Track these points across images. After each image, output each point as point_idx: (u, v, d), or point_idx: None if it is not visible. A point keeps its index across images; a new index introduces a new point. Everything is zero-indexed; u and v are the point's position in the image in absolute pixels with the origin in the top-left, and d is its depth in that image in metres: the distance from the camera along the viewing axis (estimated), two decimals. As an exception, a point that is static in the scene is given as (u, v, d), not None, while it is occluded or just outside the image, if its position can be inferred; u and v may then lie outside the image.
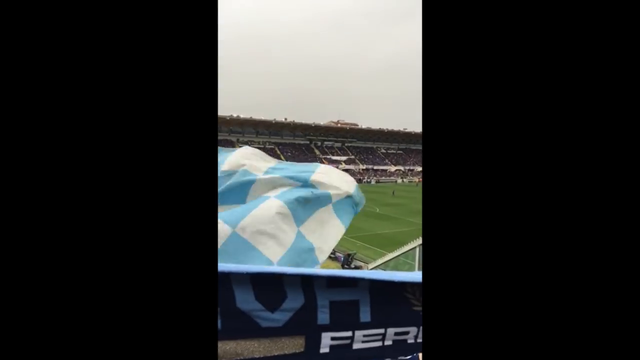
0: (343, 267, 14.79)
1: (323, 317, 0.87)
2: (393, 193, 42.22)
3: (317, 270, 0.84)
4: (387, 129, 70.57)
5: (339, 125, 70.44)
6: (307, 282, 0.84)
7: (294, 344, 0.87)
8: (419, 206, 33.44)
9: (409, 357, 0.98)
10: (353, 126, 70.64)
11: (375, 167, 65.22)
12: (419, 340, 0.94)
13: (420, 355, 0.99)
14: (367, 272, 0.88)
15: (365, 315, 0.90)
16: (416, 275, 0.89)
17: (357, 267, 14.01)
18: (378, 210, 31.99)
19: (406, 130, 73.84)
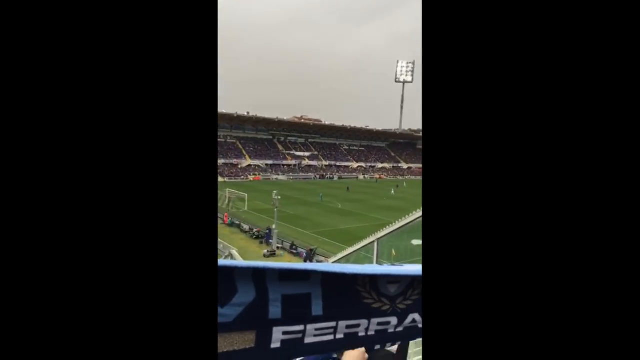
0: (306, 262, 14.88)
1: (275, 311, 0.85)
2: (348, 189, 43.07)
3: (269, 264, 0.82)
4: (350, 126, 71.69)
5: (302, 120, 70.33)
6: (259, 276, 0.82)
7: (244, 340, 0.85)
8: (379, 202, 34.64)
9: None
10: (317, 122, 70.88)
11: (338, 164, 66.06)
12: (370, 333, 0.96)
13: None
14: (319, 265, 0.88)
15: (317, 309, 0.89)
16: (367, 268, 0.95)
17: (319, 262, 14.18)
18: (340, 206, 32.53)
19: (368, 128, 75.49)
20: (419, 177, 65.01)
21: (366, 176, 62.90)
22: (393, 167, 71.33)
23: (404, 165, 72.57)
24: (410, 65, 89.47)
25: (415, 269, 0.97)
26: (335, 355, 1.07)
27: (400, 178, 63.45)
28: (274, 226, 19.97)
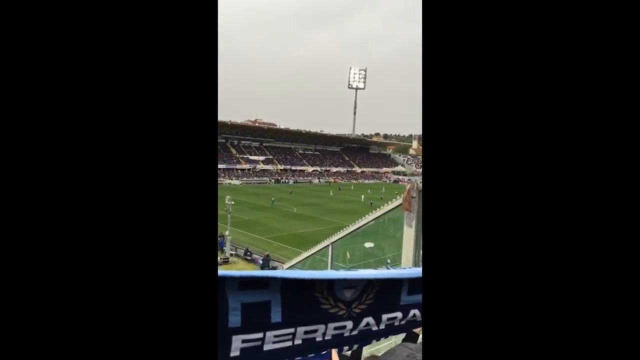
0: (262, 269, 14.66)
1: (234, 319, 0.85)
2: (291, 193, 43.46)
3: (229, 272, 0.81)
4: (304, 130, 72.05)
5: (256, 124, 69.30)
6: (219, 285, 0.80)
7: None
8: (335, 205, 35.17)
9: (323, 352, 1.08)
10: (271, 126, 70.23)
11: (293, 168, 66.01)
12: (327, 337, 0.99)
13: (334, 352, 1.10)
14: (279, 272, 0.89)
15: (276, 316, 0.90)
16: (325, 273, 0.99)
17: (273, 268, 14.04)
18: (295, 210, 32.48)
19: (323, 132, 76.48)
20: (371, 181, 67.29)
21: (321, 180, 63.57)
22: (347, 171, 72.92)
23: (358, 169, 74.55)
24: (362, 72, 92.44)
25: (369, 272, 1.02)
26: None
27: (354, 181, 65.03)
28: (227, 232, 19.38)
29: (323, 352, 1.06)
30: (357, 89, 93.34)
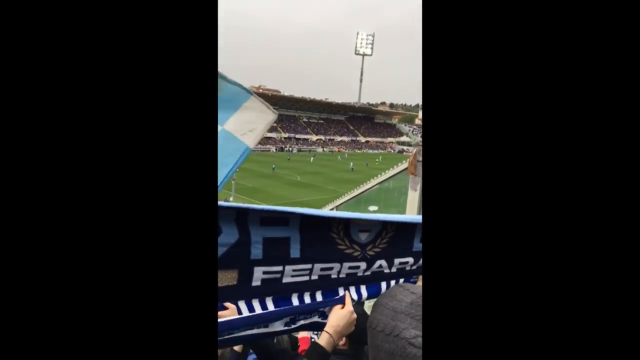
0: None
1: (256, 252, 0.92)
2: (288, 160, 43.68)
3: (251, 205, 0.87)
4: (309, 97, 70.72)
5: (260, 90, 67.94)
6: (242, 219, 0.88)
7: (228, 277, 0.92)
8: (338, 174, 35.29)
9: (338, 296, 1.13)
10: (275, 93, 68.92)
11: (297, 136, 65.52)
12: (342, 276, 1.07)
13: (346, 292, 1.15)
14: (298, 208, 0.94)
15: (295, 252, 0.97)
16: (342, 213, 1.03)
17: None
18: (299, 178, 32.66)
19: (328, 100, 75.05)
20: (376, 151, 66.87)
21: (325, 149, 63.28)
22: (351, 140, 72.34)
23: (362, 139, 73.91)
24: (370, 37, 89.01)
25: (384, 215, 1.07)
26: (324, 309, 1.14)
27: (358, 151, 64.68)
28: (231, 198, 19.67)
29: (337, 296, 1.13)
30: (364, 55, 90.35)
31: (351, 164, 40.95)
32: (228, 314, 1.14)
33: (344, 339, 1.30)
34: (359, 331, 0.91)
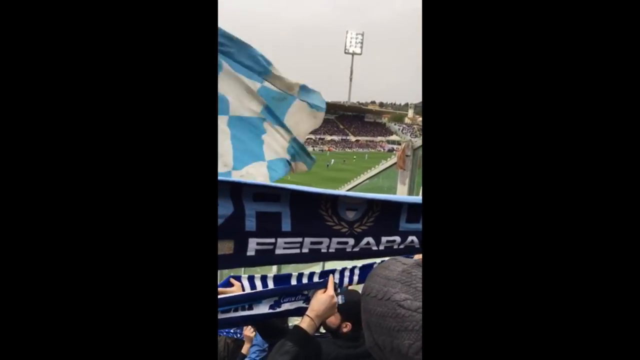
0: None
1: (250, 224, 1.00)
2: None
3: (245, 180, 0.95)
4: (299, 97, 70.31)
5: (250, 90, 67.23)
6: (236, 195, 0.96)
7: (225, 247, 1.01)
8: (328, 174, 35.39)
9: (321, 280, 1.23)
10: (265, 92, 68.22)
11: (287, 135, 65.18)
12: (331, 250, 1.14)
13: (330, 276, 1.25)
14: (288, 185, 1.02)
15: (286, 226, 1.05)
16: (331, 190, 1.12)
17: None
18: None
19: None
20: (366, 150, 67.19)
21: (315, 148, 63.31)
22: (341, 139, 72.52)
23: (352, 138, 74.17)
24: (360, 36, 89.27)
25: (371, 194, 1.16)
26: (307, 293, 1.21)
27: (349, 150, 64.91)
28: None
29: (321, 280, 1.23)
30: (353, 54, 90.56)
31: (332, 160, 41.96)
32: (234, 290, 1.24)
33: (348, 324, 1.40)
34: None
